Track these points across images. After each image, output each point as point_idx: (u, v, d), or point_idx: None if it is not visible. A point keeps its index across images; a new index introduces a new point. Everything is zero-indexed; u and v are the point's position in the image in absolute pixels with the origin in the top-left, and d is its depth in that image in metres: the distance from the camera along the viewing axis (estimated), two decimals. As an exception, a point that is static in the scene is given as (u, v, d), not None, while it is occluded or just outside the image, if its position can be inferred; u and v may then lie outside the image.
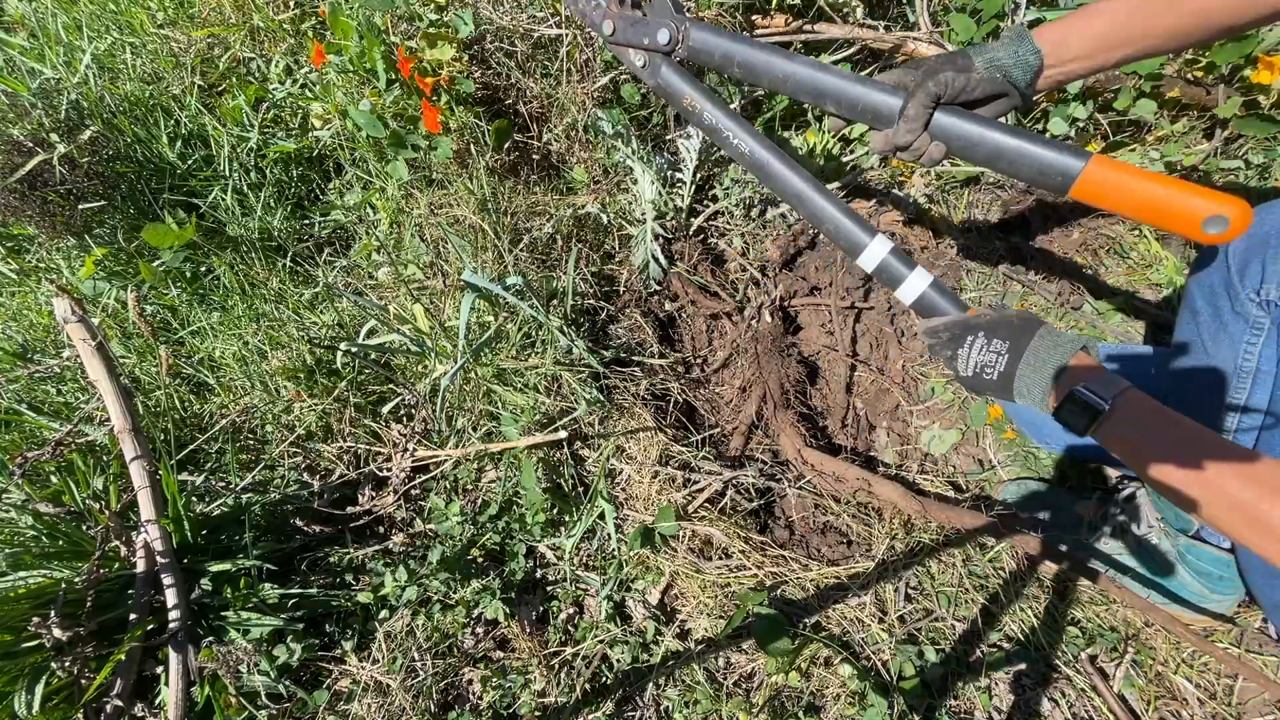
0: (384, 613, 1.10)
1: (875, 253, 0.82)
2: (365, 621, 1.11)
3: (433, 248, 1.48)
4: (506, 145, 1.56)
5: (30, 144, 1.58)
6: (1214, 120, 1.36)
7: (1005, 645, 1.04)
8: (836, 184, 1.52)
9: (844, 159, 1.57)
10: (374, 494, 1.24)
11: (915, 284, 0.82)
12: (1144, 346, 1.19)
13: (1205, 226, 0.67)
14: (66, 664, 0.94)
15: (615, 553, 1.15)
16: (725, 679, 1.03)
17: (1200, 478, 0.64)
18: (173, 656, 0.98)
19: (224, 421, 1.32)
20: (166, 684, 0.98)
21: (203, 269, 1.65)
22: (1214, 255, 0.90)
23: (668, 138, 1.60)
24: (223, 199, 1.70)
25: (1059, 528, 1.13)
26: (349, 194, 1.73)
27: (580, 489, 1.20)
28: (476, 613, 1.10)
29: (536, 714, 1.01)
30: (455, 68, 1.43)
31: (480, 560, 1.16)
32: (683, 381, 1.42)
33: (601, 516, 1.15)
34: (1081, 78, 0.79)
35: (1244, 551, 0.93)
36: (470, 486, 1.25)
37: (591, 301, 1.45)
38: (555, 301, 1.36)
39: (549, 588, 1.15)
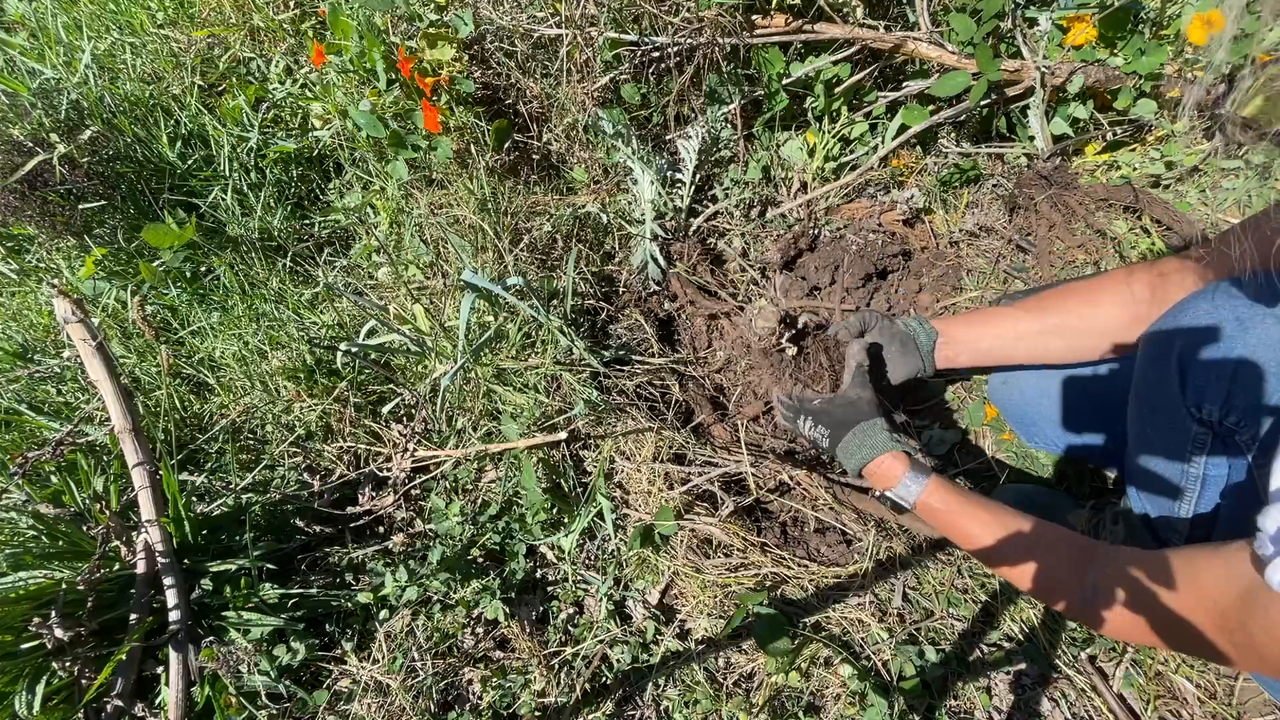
0: (384, 613, 1.10)
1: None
2: (365, 621, 1.11)
3: (433, 248, 1.48)
4: (506, 145, 1.56)
5: (30, 144, 1.58)
6: (1214, 120, 1.36)
7: (1005, 645, 1.04)
8: (839, 184, 1.52)
9: (844, 159, 1.57)
10: (374, 494, 1.24)
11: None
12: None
13: None
14: (67, 664, 0.94)
15: (615, 552, 1.15)
16: (725, 679, 1.03)
17: (989, 559, 0.86)
18: (173, 656, 0.98)
19: (224, 421, 1.32)
20: (167, 684, 0.98)
21: (203, 269, 1.65)
22: (1162, 338, 0.80)
23: (668, 138, 1.60)
24: (223, 199, 1.70)
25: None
26: (349, 194, 1.73)
27: (580, 489, 1.20)
28: (476, 613, 1.10)
29: (536, 714, 1.01)
30: (455, 68, 1.44)
31: (480, 560, 1.16)
32: (682, 381, 1.42)
33: (600, 515, 1.15)
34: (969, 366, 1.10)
35: None
36: (470, 486, 1.25)
37: (591, 301, 1.45)
38: (555, 301, 1.36)
39: (549, 588, 1.15)
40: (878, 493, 0.95)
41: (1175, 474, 0.82)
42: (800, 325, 1.23)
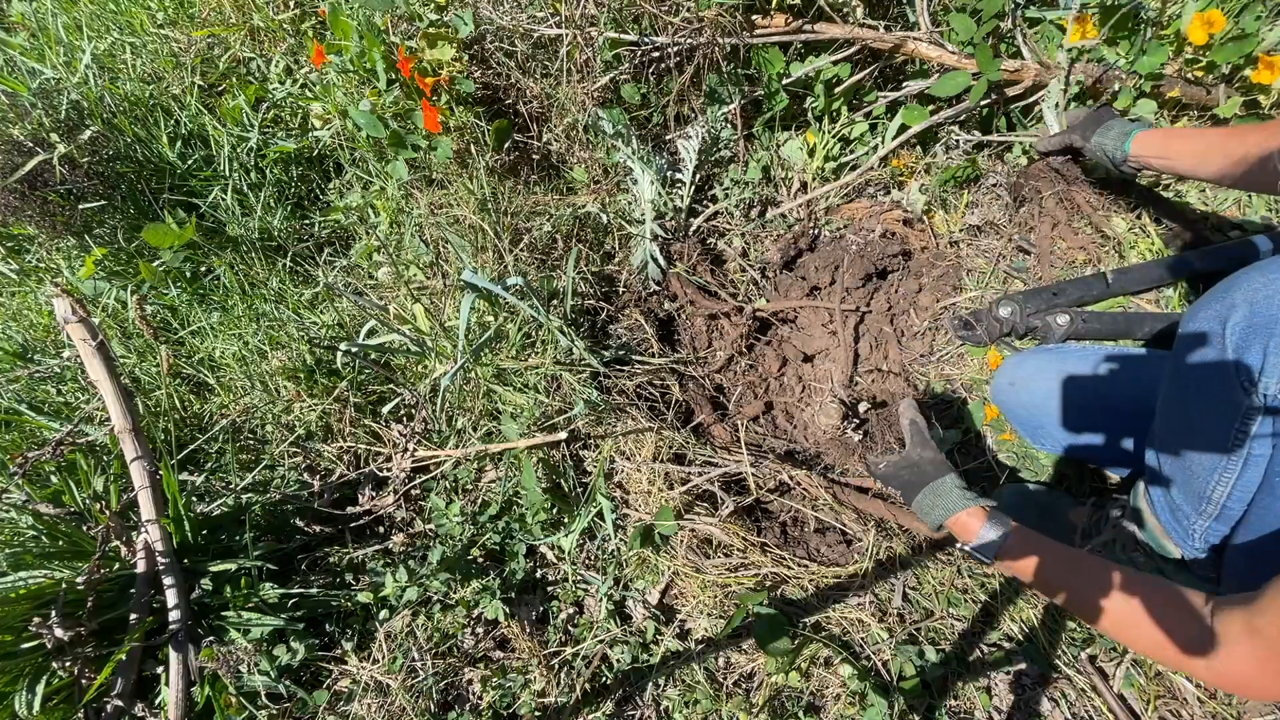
0: (384, 613, 1.10)
1: None
2: (365, 621, 1.11)
3: (433, 248, 1.48)
4: (506, 145, 1.56)
5: (30, 144, 1.58)
6: (1214, 120, 1.36)
7: (1005, 645, 1.04)
8: (839, 184, 1.53)
9: (844, 159, 1.57)
10: (374, 494, 1.24)
11: None
12: (1132, 349, 1.19)
13: None
14: (67, 664, 0.94)
15: (615, 552, 1.15)
16: (725, 679, 1.03)
17: (1082, 606, 0.78)
18: (173, 656, 0.98)
19: (224, 421, 1.32)
20: (167, 684, 0.98)
21: (203, 269, 1.65)
22: (1213, 313, 0.78)
23: (667, 138, 1.60)
24: (223, 199, 1.70)
25: (1050, 533, 1.12)
26: (349, 194, 1.73)
27: (580, 489, 1.20)
28: (476, 613, 1.10)
29: (536, 714, 1.01)
30: (455, 68, 1.43)
31: (480, 560, 1.16)
32: (682, 381, 1.42)
33: (600, 515, 1.15)
34: (1158, 169, 1.16)
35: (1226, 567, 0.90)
36: (470, 486, 1.25)
37: (591, 301, 1.45)
38: (555, 301, 1.36)
39: (549, 588, 1.15)
40: (959, 546, 0.92)
41: (1216, 454, 0.80)
42: (863, 413, 1.26)
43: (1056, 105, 1.37)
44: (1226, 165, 0.99)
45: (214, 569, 1.06)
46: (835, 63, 1.45)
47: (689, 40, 1.41)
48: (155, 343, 1.34)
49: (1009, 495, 1.20)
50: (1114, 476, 1.21)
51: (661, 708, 1.01)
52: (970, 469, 1.30)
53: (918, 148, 1.56)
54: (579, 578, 1.14)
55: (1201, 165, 1.05)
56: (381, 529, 1.23)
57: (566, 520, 1.17)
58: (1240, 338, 0.74)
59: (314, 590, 1.10)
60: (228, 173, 1.73)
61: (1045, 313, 1.28)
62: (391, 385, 1.34)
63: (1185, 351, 0.83)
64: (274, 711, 1.01)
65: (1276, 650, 0.60)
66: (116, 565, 1.05)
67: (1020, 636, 1.04)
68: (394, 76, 1.50)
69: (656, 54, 1.48)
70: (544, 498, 1.15)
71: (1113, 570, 0.76)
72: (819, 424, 1.21)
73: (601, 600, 1.10)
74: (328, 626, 1.10)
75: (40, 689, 0.93)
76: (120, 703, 0.96)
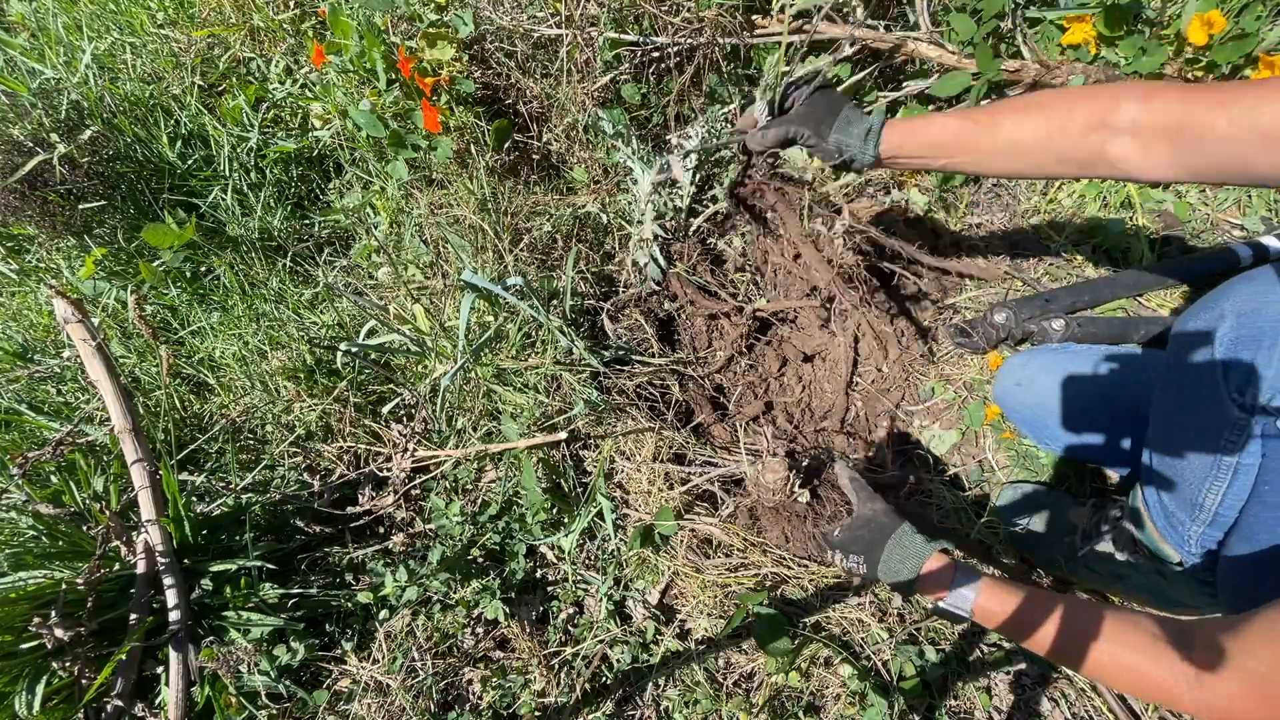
0: (384, 613, 1.10)
1: None
2: (365, 621, 1.11)
3: (433, 248, 1.48)
4: (506, 145, 1.56)
5: (30, 144, 1.58)
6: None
7: (1005, 645, 1.04)
8: (839, 184, 1.53)
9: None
10: (374, 494, 1.24)
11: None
12: (1134, 348, 1.19)
13: None
14: (67, 664, 0.94)
15: (615, 552, 1.15)
16: (725, 679, 1.03)
17: (1062, 651, 0.74)
18: (173, 656, 0.98)
19: (224, 421, 1.32)
20: (167, 684, 0.98)
21: (203, 269, 1.65)
22: (1202, 322, 0.79)
23: (668, 138, 1.60)
24: (223, 199, 1.70)
25: (1051, 534, 1.12)
26: (349, 194, 1.73)
27: (580, 489, 1.20)
28: (476, 613, 1.10)
29: (536, 714, 1.01)
30: (455, 68, 1.43)
31: (480, 560, 1.16)
32: (682, 381, 1.42)
33: (600, 515, 1.15)
34: (917, 169, 0.96)
35: (1222, 569, 0.89)
36: (470, 486, 1.25)
37: (591, 301, 1.45)
38: (555, 301, 1.36)
39: (549, 588, 1.15)
40: (930, 605, 0.86)
41: (1206, 463, 0.80)
42: (806, 464, 1.22)
43: (769, 86, 1.04)
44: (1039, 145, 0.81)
45: (214, 569, 1.06)
46: (835, 63, 1.45)
47: (689, 40, 1.41)
48: (154, 343, 1.34)
49: (1009, 495, 1.20)
50: (1114, 476, 1.21)
51: (661, 708, 1.01)
52: (972, 470, 1.30)
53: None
54: (579, 578, 1.14)
55: (987, 154, 0.85)
56: (381, 529, 1.23)
57: (566, 520, 1.17)
58: (1228, 348, 0.74)
59: (314, 590, 1.10)
60: (228, 173, 1.73)
61: (1040, 318, 1.28)
62: (391, 385, 1.34)
63: (1175, 359, 0.83)
64: (274, 711, 1.01)
65: (1267, 682, 0.59)
66: (116, 565, 1.05)
67: (1020, 636, 1.04)
68: (394, 76, 1.50)
69: (656, 54, 1.48)
70: (544, 498, 1.15)
71: (1089, 609, 0.74)
72: (765, 483, 1.16)
73: (601, 600, 1.10)
74: (328, 626, 1.10)
75: (40, 689, 0.93)
76: (120, 703, 0.96)
